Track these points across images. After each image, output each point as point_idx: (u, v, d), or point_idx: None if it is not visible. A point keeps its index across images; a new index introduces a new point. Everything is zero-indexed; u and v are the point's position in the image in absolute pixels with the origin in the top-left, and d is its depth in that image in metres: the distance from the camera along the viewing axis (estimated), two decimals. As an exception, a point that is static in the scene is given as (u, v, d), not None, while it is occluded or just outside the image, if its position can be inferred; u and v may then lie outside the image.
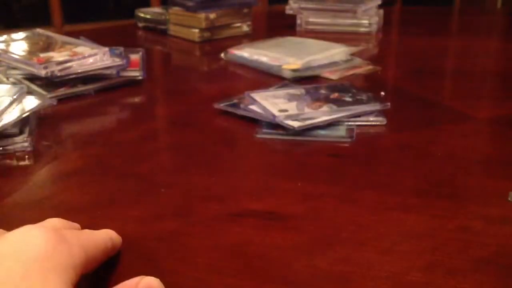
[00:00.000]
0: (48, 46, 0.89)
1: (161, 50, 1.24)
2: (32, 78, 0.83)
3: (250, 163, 0.61)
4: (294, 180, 0.55)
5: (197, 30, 1.20)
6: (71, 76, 0.81)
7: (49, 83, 0.81)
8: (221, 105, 0.74)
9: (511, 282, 0.40)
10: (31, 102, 0.67)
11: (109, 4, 2.72)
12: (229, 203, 0.51)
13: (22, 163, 0.61)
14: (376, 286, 0.39)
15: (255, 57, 0.99)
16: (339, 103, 0.71)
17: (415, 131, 0.68)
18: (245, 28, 1.27)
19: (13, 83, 0.83)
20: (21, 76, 0.84)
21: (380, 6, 1.30)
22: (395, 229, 0.46)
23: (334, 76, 0.89)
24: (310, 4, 1.29)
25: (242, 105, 0.72)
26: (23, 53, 0.85)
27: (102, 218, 0.49)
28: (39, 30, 0.97)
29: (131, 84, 0.87)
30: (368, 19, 1.26)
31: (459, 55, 1.13)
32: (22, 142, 0.63)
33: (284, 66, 0.92)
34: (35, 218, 0.49)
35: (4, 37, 0.93)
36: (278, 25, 1.38)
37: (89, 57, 0.83)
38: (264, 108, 0.69)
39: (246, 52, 1.02)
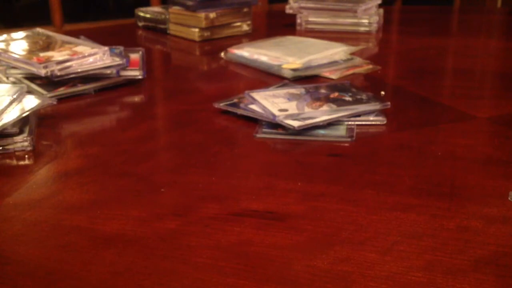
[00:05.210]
0: (48, 45, 0.89)
1: (161, 50, 1.24)
2: (32, 77, 0.83)
3: (250, 163, 0.61)
4: (294, 180, 0.55)
5: (197, 30, 1.20)
6: (71, 76, 0.81)
7: (49, 82, 0.81)
8: (221, 105, 0.74)
9: (511, 282, 0.40)
10: (31, 102, 0.67)
11: (109, 3, 2.72)
12: (229, 203, 0.51)
13: (22, 162, 0.61)
14: (376, 286, 0.39)
15: (255, 56, 0.99)
16: (339, 102, 0.71)
17: (415, 131, 0.68)
18: (245, 27, 1.27)
19: (13, 83, 0.83)
20: (21, 75, 0.84)
21: (380, 6, 1.30)
22: (395, 229, 0.46)
23: (334, 76, 0.89)
24: (310, 3, 1.29)
25: (242, 105, 0.72)
26: (23, 53, 0.85)
27: (101, 218, 0.49)
28: (39, 29, 0.97)
29: (131, 84, 0.87)
30: (368, 18, 1.26)
31: (459, 54, 1.13)
32: (22, 142, 0.63)
33: (284, 66, 0.92)
34: (35, 218, 0.50)
35: (4, 36, 0.93)
36: (278, 24, 1.38)
37: (89, 56, 0.83)
38: (264, 108, 0.69)
39: (246, 52, 1.02)
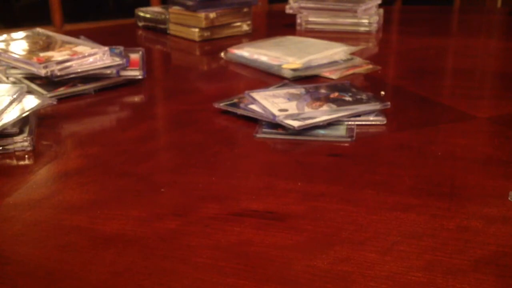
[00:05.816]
0: (48, 45, 0.89)
1: (161, 50, 1.24)
2: (32, 77, 0.83)
3: (250, 163, 0.61)
4: (294, 180, 0.55)
5: (197, 30, 1.20)
6: (71, 76, 0.81)
7: (49, 82, 0.81)
8: (221, 105, 0.74)
9: (511, 282, 0.40)
10: (31, 102, 0.67)
11: (109, 3, 2.72)
12: (229, 203, 0.51)
13: (22, 162, 0.61)
14: (376, 286, 0.39)
15: (255, 56, 0.99)
16: (339, 102, 0.71)
17: (415, 131, 0.68)
18: (245, 27, 1.27)
19: (13, 83, 0.83)
20: (21, 75, 0.84)
21: (380, 6, 1.30)
22: (395, 229, 0.46)
23: (334, 76, 0.89)
24: (310, 3, 1.29)
25: (242, 105, 0.72)
26: (23, 53, 0.85)
27: (101, 218, 0.49)
28: (39, 30, 0.97)
29: (131, 84, 0.87)
30: (368, 18, 1.26)
31: (459, 54, 1.13)
32: (22, 142, 0.63)
33: (284, 66, 0.92)
34: (35, 218, 0.50)
35: (4, 36, 0.93)
36: (278, 24, 1.38)
37: (89, 56, 0.83)
38: (264, 108, 0.69)
39: (246, 52, 1.02)
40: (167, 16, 1.28)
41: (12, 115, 0.64)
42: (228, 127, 0.71)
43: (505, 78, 0.93)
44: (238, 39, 1.21)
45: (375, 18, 1.26)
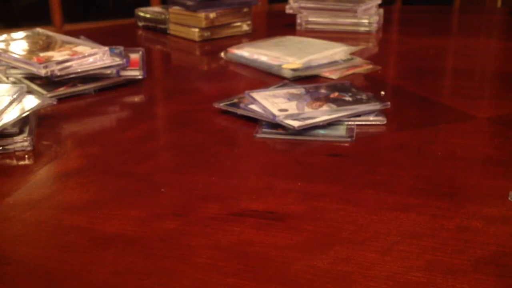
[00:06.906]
0: (48, 45, 0.89)
1: (161, 50, 1.24)
2: (32, 77, 0.83)
3: (250, 163, 0.61)
4: (294, 180, 0.55)
5: (197, 30, 1.20)
6: (71, 76, 0.81)
7: (49, 82, 0.81)
8: (221, 105, 0.74)
9: (511, 282, 0.40)
10: (31, 102, 0.67)
11: (109, 3, 2.72)
12: (229, 203, 0.51)
13: (22, 162, 0.61)
14: (376, 286, 0.39)
15: (255, 56, 0.99)
16: (339, 102, 0.71)
17: (415, 131, 0.68)
18: (245, 27, 1.27)
19: (13, 83, 0.83)
20: (21, 75, 0.84)
21: (380, 5, 1.30)
22: (395, 229, 0.46)
23: (334, 76, 0.89)
24: (310, 3, 1.29)
25: (242, 105, 0.72)
26: (23, 53, 0.85)
27: (101, 218, 0.49)
28: (39, 30, 0.97)
29: (131, 84, 0.87)
30: (368, 18, 1.26)
31: (459, 54, 1.13)
32: (22, 142, 0.63)
33: (284, 66, 0.92)
34: (35, 218, 0.50)
35: (4, 36, 0.93)
36: (278, 24, 1.38)
37: (89, 56, 0.83)
38: (264, 108, 0.69)
39: (246, 52, 1.02)
40: (167, 16, 1.28)
41: (12, 115, 0.64)
42: (228, 127, 0.71)
43: (505, 78, 0.93)
44: (238, 39, 1.21)
45: (375, 18, 1.26)
